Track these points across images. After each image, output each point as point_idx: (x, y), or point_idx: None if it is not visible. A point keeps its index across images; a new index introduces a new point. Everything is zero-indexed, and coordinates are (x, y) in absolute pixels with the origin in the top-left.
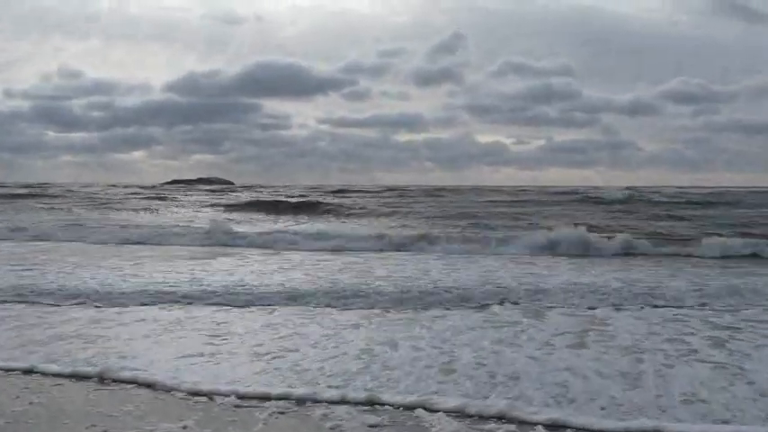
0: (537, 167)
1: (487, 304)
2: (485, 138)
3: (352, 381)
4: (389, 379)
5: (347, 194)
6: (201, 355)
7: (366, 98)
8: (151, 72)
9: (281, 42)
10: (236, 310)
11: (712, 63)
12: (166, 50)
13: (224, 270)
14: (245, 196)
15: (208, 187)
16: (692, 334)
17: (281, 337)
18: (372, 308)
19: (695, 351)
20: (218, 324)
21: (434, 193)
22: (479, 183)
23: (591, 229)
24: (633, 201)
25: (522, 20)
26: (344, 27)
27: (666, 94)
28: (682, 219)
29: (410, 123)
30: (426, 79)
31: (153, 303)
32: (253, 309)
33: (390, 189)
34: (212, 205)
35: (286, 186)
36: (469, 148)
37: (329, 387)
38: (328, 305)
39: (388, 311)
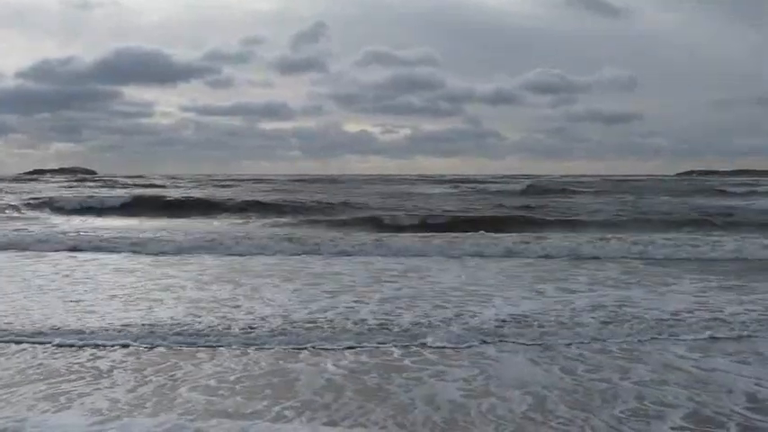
0: (405, 156)
1: None
2: (352, 127)
3: None
4: None
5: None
6: None
7: (230, 86)
8: (2, 59)
9: (141, 28)
10: None
11: (570, 54)
12: (21, 36)
13: None
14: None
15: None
16: None
17: None
18: None
19: None
20: None
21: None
22: (348, 171)
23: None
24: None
25: (385, 9)
26: (206, 14)
27: (527, 84)
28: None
29: (276, 112)
30: (290, 67)
31: None
32: None
33: (258, 180)
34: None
35: (165, 176)
36: (337, 137)
37: None
38: None
39: None
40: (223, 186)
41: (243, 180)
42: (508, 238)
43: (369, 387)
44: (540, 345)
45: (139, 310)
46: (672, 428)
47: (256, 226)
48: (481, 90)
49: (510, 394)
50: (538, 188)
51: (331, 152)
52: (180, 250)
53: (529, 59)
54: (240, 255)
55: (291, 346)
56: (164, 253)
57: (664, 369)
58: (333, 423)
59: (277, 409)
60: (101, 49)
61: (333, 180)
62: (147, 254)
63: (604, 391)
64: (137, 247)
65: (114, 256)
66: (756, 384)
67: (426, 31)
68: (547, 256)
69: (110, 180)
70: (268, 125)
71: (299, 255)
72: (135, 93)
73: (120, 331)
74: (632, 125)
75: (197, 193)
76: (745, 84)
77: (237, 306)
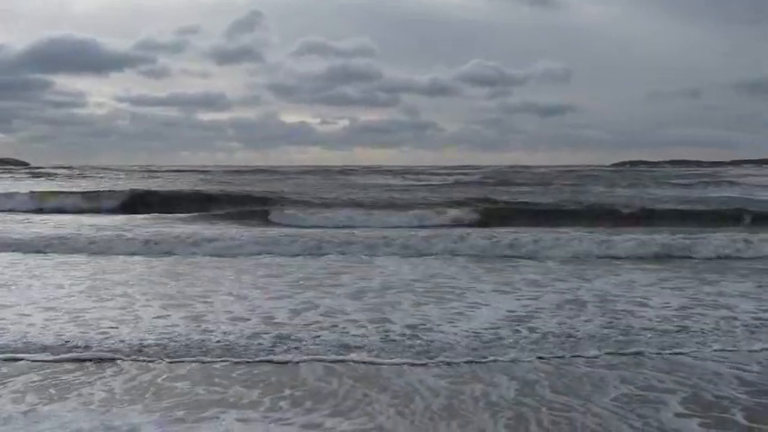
0: (344, 147)
1: None
2: (290, 117)
3: None
4: None
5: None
6: None
7: (165, 76)
8: None
9: (74, 17)
10: None
11: (506, 47)
12: None
13: None
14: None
15: None
16: None
17: None
18: None
19: None
20: None
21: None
22: (287, 163)
23: None
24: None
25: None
26: (140, 2)
27: (464, 76)
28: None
29: (213, 102)
30: (226, 57)
31: None
32: None
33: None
34: None
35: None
36: (275, 128)
37: None
38: None
39: None
40: (152, 178)
41: (178, 171)
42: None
43: None
44: None
45: None
46: None
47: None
48: (418, 81)
49: None
50: (496, 179)
51: (270, 143)
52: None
53: (466, 51)
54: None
55: None
56: None
57: None
58: None
59: None
60: (32, 38)
61: (273, 171)
62: None
63: None
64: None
65: None
66: None
67: (362, 21)
68: None
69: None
70: (205, 116)
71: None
72: (67, 82)
73: None
74: (567, 117)
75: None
76: (676, 77)
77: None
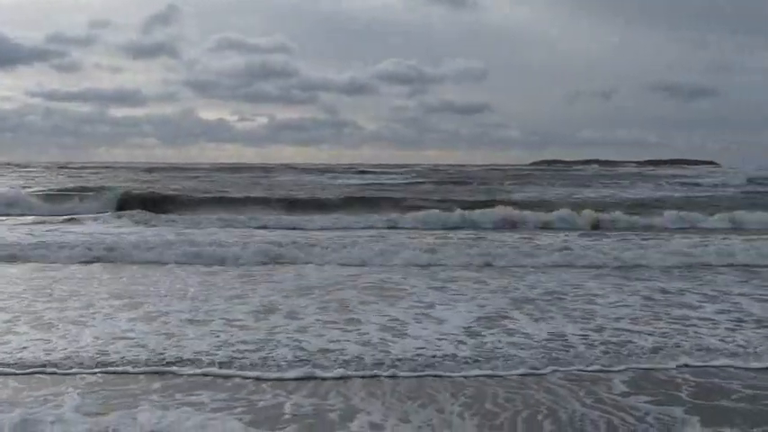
0: (262, 144)
1: None
2: (208, 114)
3: None
4: None
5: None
6: None
7: (78, 70)
8: None
9: None
10: None
11: (423, 45)
12: None
13: None
14: None
15: None
16: None
17: None
18: None
19: None
20: None
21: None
22: (205, 159)
23: None
24: None
25: None
26: None
27: (382, 74)
28: None
29: (128, 98)
30: (141, 52)
31: None
32: None
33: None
34: None
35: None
36: (192, 125)
37: None
38: None
39: None
40: (60, 175)
41: (90, 168)
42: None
43: None
44: None
45: None
46: None
47: None
48: (336, 79)
49: None
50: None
51: (187, 140)
52: None
53: (383, 50)
54: None
55: None
56: None
57: None
58: None
59: None
60: None
61: (193, 168)
62: None
63: None
64: None
65: None
66: None
67: (280, 19)
68: None
69: None
70: (120, 111)
71: None
72: None
73: None
74: (485, 116)
75: None
76: (593, 77)
77: None
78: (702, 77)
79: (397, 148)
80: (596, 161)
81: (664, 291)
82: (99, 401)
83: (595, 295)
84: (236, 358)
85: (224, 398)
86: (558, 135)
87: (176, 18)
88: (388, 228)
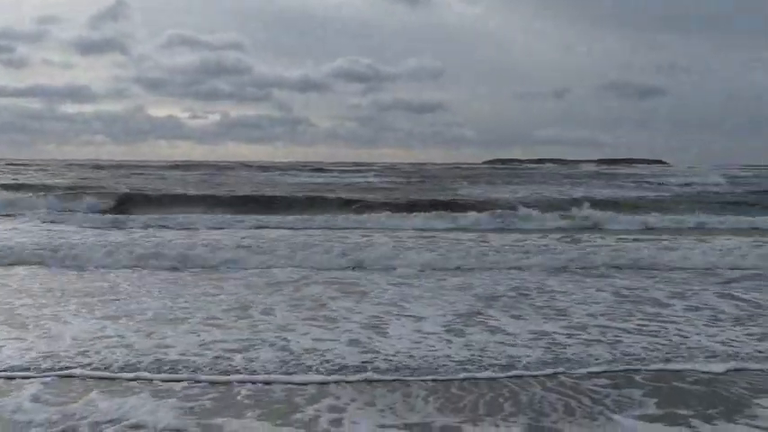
0: (215, 142)
1: None
2: (159, 111)
3: None
4: None
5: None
6: None
7: (25, 66)
8: None
9: None
10: None
11: (378, 43)
12: None
13: None
14: None
15: None
16: None
17: None
18: None
19: None
20: None
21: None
22: (156, 157)
23: None
24: None
25: None
26: None
27: (336, 72)
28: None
29: (77, 94)
30: (90, 48)
31: None
32: None
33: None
34: None
35: None
36: (144, 122)
37: None
38: None
39: None
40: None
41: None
42: None
43: None
44: None
45: None
46: None
47: None
48: (290, 77)
49: None
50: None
51: (138, 137)
52: None
53: (337, 47)
54: None
55: None
56: None
57: None
58: None
59: None
60: None
61: (143, 166)
62: None
63: None
64: None
65: None
66: None
67: (232, 15)
68: None
69: None
70: (69, 108)
71: None
72: None
73: None
74: (439, 115)
75: None
76: (547, 77)
77: None
78: (653, 78)
79: (351, 147)
80: (550, 160)
81: (628, 288)
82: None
83: (562, 293)
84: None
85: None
86: (513, 134)
87: (126, 14)
88: (346, 228)
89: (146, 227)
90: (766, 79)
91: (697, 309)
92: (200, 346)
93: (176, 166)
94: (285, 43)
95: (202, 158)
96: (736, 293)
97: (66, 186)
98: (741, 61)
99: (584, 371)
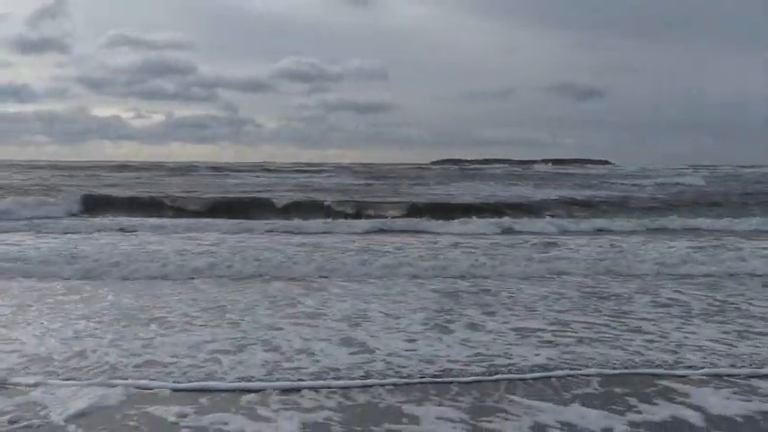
0: (160, 142)
1: None
2: (102, 111)
3: None
4: None
5: None
6: None
7: None
8: None
9: None
10: None
11: (323, 44)
12: None
13: None
14: None
15: None
16: None
17: None
18: None
19: None
20: None
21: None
22: (100, 158)
23: None
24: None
25: None
26: None
27: (281, 72)
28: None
29: (16, 93)
30: (30, 47)
31: None
32: None
33: None
34: None
35: None
36: (87, 122)
37: None
38: None
39: None
40: None
41: None
42: None
43: None
44: None
45: None
46: None
47: None
48: (235, 77)
49: None
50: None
51: (81, 137)
52: None
53: (283, 47)
54: None
55: None
56: None
57: None
58: None
59: None
60: None
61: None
62: None
63: None
64: None
65: None
66: None
67: (175, 14)
68: None
69: None
70: (9, 108)
71: None
72: None
73: None
74: (385, 115)
75: None
76: (492, 77)
77: None
78: (594, 79)
79: (298, 147)
80: (499, 160)
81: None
82: None
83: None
84: None
85: None
86: (458, 134)
87: (66, 12)
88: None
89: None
90: (707, 80)
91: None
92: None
93: (124, 166)
94: (230, 43)
95: (147, 159)
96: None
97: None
98: (682, 62)
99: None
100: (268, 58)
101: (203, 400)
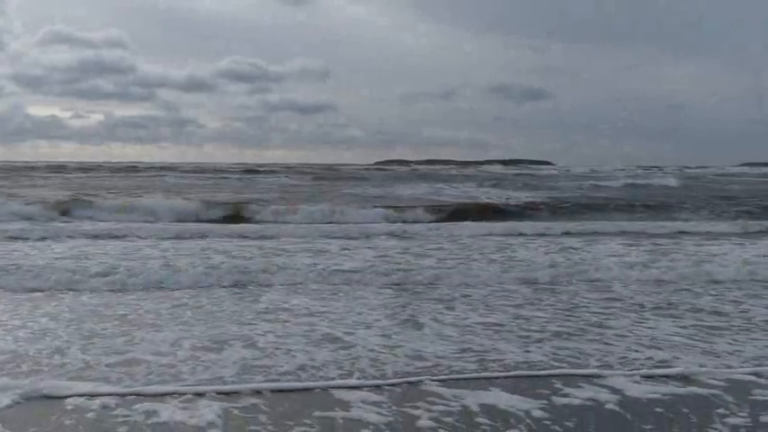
0: (99, 142)
1: None
2: (38, 111)
3: None
4: None
5: None
6: None
7: None
8: None
9: None
10: None
11: (263, 43)
12: None
13: None
14: None
15: None
16: None
17: None
18: None
19: None
20: None
21: None
22: (36, 158)
23: None
24: None
25: None
26: None
27: (222, 72)
28: None
29: None
30: None
31: None
32: None
33: None
34: None
35: None
36: (22, 122)
37: None
38: None
39: None
40: None
41: None
42: None
43: None
44: None
45: None
46: None
47: None
48: (175, 76)
49: None
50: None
51: (15, 137)
52: None
53: (223, 47)
54: None
55: None
56: None
57: None
58: None
59: None
60: None
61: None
62: None
63: None
64: None
65: None
66: None
67: (112, 12)
68: None
69: None
70: None
71: None
72: None
73: None
74: (327, 115)
75: None
76: (433, 78)
77: None
78: (537, 81)
79: (240, 147)
80: (441, 161)
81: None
82: None
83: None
84: None
85: None
86: (401, 135)
87: None
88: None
89: None
90: (643, 83)
91: None
92: None
93: (62, 167)
94: (169, 42)
95: (87, 159)
96: None
97: None
98: (621, 65)
99: None
100: (209, 57)
101: None
